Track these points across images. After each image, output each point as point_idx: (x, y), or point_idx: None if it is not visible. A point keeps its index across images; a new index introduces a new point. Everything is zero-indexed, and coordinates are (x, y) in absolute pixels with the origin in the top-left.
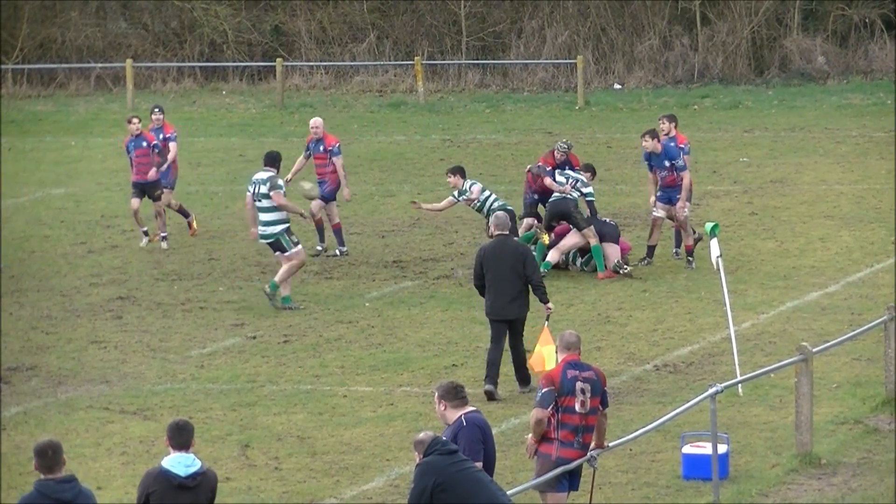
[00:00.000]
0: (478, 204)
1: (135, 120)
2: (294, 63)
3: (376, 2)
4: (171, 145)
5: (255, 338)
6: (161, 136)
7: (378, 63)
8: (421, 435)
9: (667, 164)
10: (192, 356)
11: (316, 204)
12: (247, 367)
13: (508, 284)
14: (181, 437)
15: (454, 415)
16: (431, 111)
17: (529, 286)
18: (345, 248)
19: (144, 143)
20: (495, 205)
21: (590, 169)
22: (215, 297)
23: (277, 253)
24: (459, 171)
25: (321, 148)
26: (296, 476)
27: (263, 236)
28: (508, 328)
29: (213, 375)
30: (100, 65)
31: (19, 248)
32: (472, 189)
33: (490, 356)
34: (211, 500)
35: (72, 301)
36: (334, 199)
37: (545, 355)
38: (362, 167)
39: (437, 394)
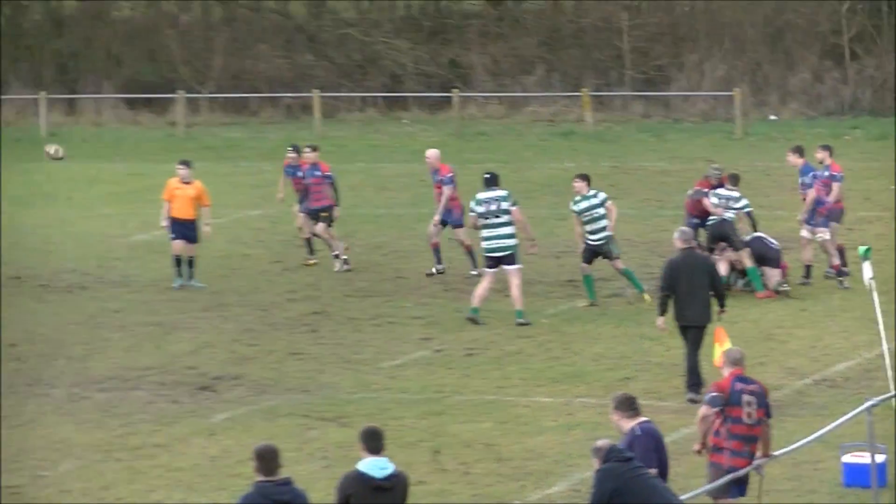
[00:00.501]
0: (590, 215)
1: (307, 149)
2: (469, 94)
3: (545, 36)
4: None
5: (441, 351)
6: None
7: (548, 94)
8: (599, 443)
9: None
10: (384, 367)
11: (434, 230)
12: (434, 378)
13: (700, 292)
14: (374, 441)
15: (628, 424)
16: (599, 140)
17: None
18: (475, 271)
19: (318, 172)
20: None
21: (734, 179)
22: (403, 312)
23: (506, 267)
24: (587, 178)
25: (437, 178)
26: (484, 480)
27: (500, 248)
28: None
29: (403, 386)
30: (289, 94)
31: (221, 265)
32: (608, 204)
33: (689, 363)
34: (404, 502)
35: (271, 315)
36: (462, 225)
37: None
38: (536, 192)
39: (612, 404)
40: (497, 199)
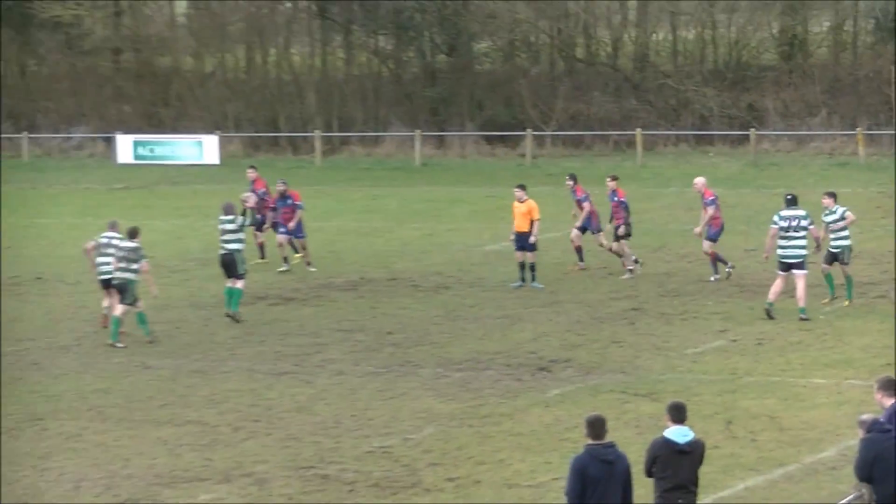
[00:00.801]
0: (835, 226)
1: (608, 179)
2: (764, 132)
3: (827, 85)
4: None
5: (735, 341)
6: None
7: (829, 132)
8: (864, 416)
9: None
10: (688, 354)
11: (707, 244)
12: (729, 363)
13: None
14: (679, 414)
15: (889, 402)
16: (870, 170)
17: None
18: (714, 277)
19: (616, 198)
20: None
21: None
22: (706, 309)
23: (796, 272)
24: (833, 196)
25: (703, 200)
26: (767, 446)
27: (794, 256)
28: None
29: (703, 368)
30: (617, 132)
31: (557, 270)
32: (845, 214)
33: None
34: (700, 463)
35: (596, 311)
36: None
37: None
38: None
39: (875, 385)
40: (798, 217)
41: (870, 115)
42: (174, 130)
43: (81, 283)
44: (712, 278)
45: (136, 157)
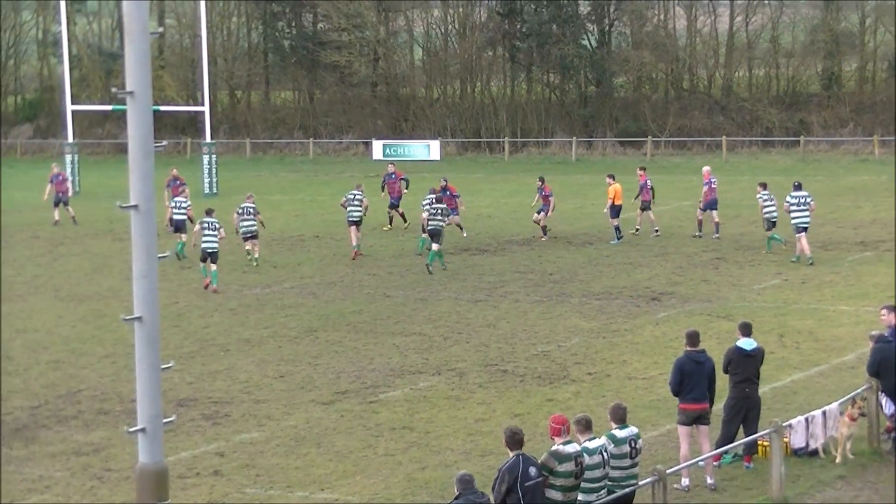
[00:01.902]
0: None
1: None
2: (809, 139)
3: (854, 106)
4: None
5: (786, 280)
6: None
7: (854, 139)
8: (874, 332)
9: None
10: (754, 289)
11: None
12: (782, 295)
13: None
14: (747, 329)
15: (892, 320)
16: (882, 164)
17: None
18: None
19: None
20: None
21: None
22: (767, 258)
23: (802, 234)
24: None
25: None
26: (807, 352)
27: (804, 223)
28: None
29: (764, 299)
30: (708, 139)
31: (665, 233)
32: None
33: None
34: (761, 363)
35: (692, 259)
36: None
37: None
38: None
39: (882, 309)
40: (803, 196)
41: (883, 126)
42: (410, 137)
43: (344, 239)
44: (696, 234)
45: (385, 154)
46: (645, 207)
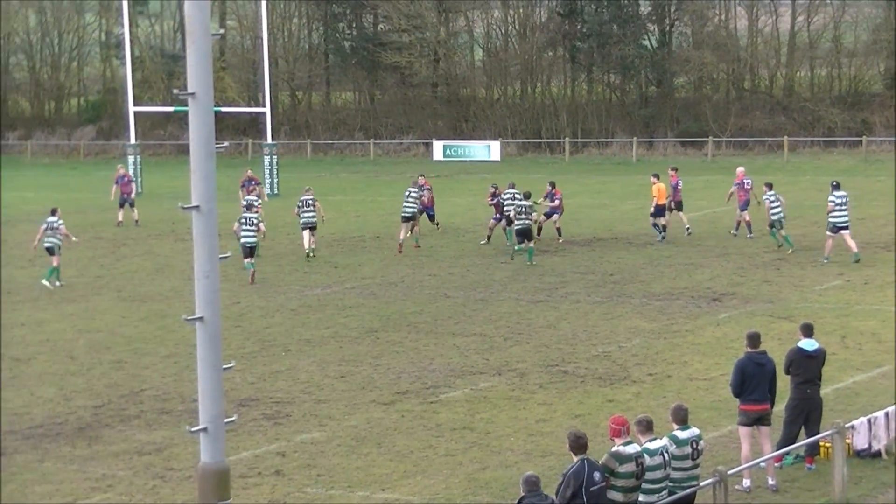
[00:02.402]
0: None
1: None
2: (872, 138)
3: None
4: None
5: (849, 281)
6: None
7: None
8: None
9: None
10: (816, 290)
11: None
12: (844, 296)
13: None
14: (808, 331)
15: None
16: None
17: None
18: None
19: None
20: None
21: None
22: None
23: (845, 231)
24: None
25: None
26: (869, 353)
27: (845, 221)
28: None
29: (826, 300)
30: (769, 139)
31: (725, 232)
32: (779, 197)
33: None
34: (823, 364)
35: (753, 260)
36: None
37: None
38: None
39: None
40: (844, 196)
41: None
42: (470, 138)
43: (406, 240)
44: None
45: (445, 155)
46: (678, 208)
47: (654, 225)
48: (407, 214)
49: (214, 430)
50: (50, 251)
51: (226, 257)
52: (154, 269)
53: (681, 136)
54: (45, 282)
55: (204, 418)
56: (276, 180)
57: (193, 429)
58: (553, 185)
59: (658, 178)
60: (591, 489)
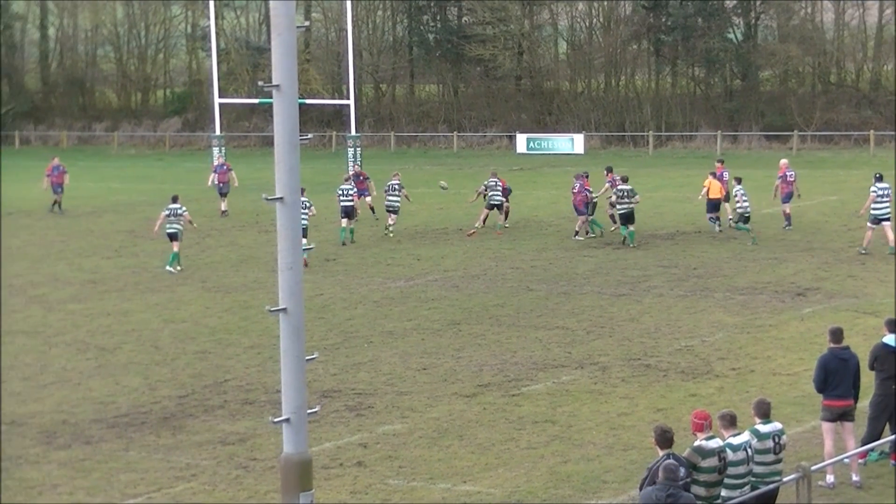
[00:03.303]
0: None
1: None
2: None
3: None
4: None
5: None
6: None
7: None
8: None
9: None
10: None
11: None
12: None
13: None
14: (894, 326)
15: None
16: None
17: None
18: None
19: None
20: None
21: None
22: None
23: (886, 223)
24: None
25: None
26: None
27: (886, 213)
28: None
29: None
30: (855, 133)
31: (811, 226)
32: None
33: None
34: None
35: (838, 255)
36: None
37: None
38: None
39: None
40: (886, 188)
41: None
42: (554, 131)
43: (488, 233)
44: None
45: (528, 148)
46: (725, 199)
47: (710, 219)
48: (496, 202)
49: (297, 421)
50: (173, 237)
51: (309, 249)
52: (238, 260)
53: (765, 130)
54: (168, 268)
55: (287, 409)
56: None
57: (276, 419)
58: (586, 176)
59: (715, 176)
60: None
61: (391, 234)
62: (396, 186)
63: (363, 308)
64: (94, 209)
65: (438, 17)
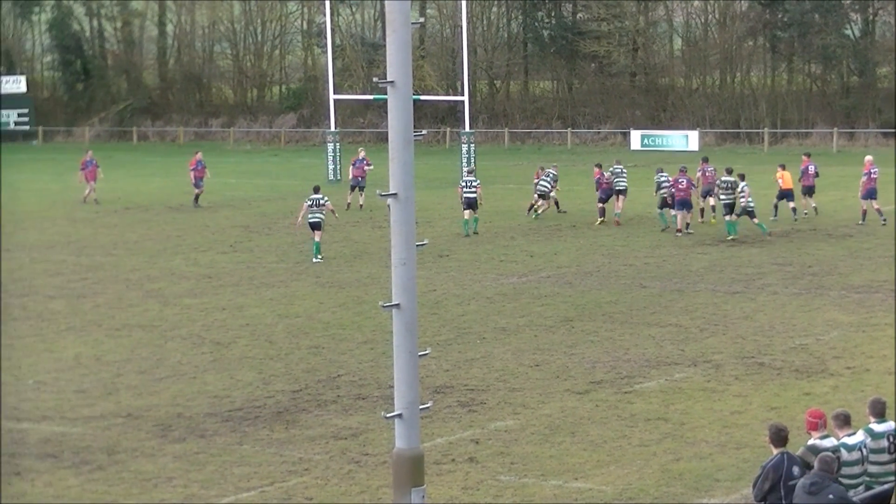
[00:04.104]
0: None
1: None
2: None
3: None
4: None
5: None
6: None
7: None
8: None
9: None
10: None
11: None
12: None
13: None
14: None
15: None
16: None
17: None
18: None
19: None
20: None
21: None
22: None
23: None
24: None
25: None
26: None
27: None
28: None
29: None
30: None
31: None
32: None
33: None
34: None
35: None
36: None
37: None
38: None
39: None
40: None
41: None
42: (669, 127)
43: (602, 230)
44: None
45: (643, 145)
46: (807, 192)
47: (775, 206)
48: (621, 188)
49: (409, 417)
50: (315, 226)
51: (423, 245)
52: (352, 255)
53: (883, 127)
54: (315, 259)
55: (399, 404)
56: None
57: (389, 415)
58: (599, 166)
59: (784, 168)
60: (790, 483)
61: (474, 230)
62: (472, 182)
63: (476, 304)
64: (210, 204)
65: (553, 14)
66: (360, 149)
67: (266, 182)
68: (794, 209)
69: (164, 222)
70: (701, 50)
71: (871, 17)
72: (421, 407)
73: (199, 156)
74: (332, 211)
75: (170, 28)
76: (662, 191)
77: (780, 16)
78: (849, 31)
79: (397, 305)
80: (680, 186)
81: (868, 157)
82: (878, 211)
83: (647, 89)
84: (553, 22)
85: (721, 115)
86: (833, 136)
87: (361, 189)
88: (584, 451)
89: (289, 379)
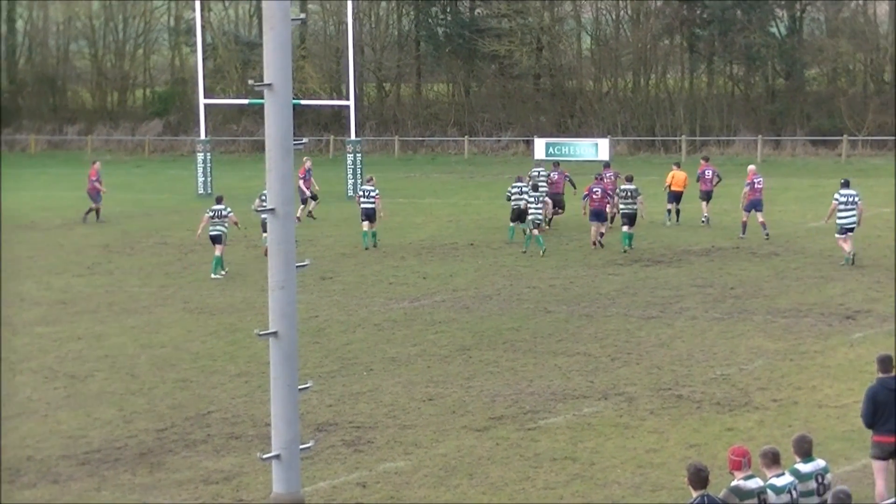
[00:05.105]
0: None
1: None
2: None
3: None
4: None
5: None
6: None
7: None
8: None
9: None
10: None
11: None
12: None
13: None
14: None
15: None
16: None
17: None
18: None
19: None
20: None
21: None
22: None
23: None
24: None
25: None
26: None
27: (851, 223)
28: None
29: None
30: None
31: (862, 243)
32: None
33: None
34: None
35: (893, 273)
36: None
37: None
38: None
39: None
40: (851, 195)
41: None
42: (576, 135)
43: (503, 248)
44: None
45: (548, 154)
46: (705, 198)
47: (668, 211)
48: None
49: (289, 458)
50: (216, 240)
51: (304, 266)
52: (225, 278)
53: (812, 135)
54: (213, 275)
55: (277, 444)
56: (359, 181)
57: (266, 456)
58: (557, 164)
59: (678, 167)
60: None
61: (373, 245)
62: (371, 193)
63: (363, 332)
64: (64, 221)
65: (448, 10)
66: (305, 158)
67: (129, 196)
68: (674, 211)
69: (14, 242)
70: (612, 50)
71: (798, 14)
72: (301, 447)
73: (98, 166)
74: (236, 223)
75: (20, 24)
76: (517, 200)
77: (698, 12)
78: (774, 30)
79: (275, 333)
80: (594, 196)
81: (751, 167)
82: (763, 224)
83: (552, 93)
84: (449, 18)
85: (634, 121)
86: (758, 145)
87: (304, 202)
88: (483, 494)
89: (153, 416)
